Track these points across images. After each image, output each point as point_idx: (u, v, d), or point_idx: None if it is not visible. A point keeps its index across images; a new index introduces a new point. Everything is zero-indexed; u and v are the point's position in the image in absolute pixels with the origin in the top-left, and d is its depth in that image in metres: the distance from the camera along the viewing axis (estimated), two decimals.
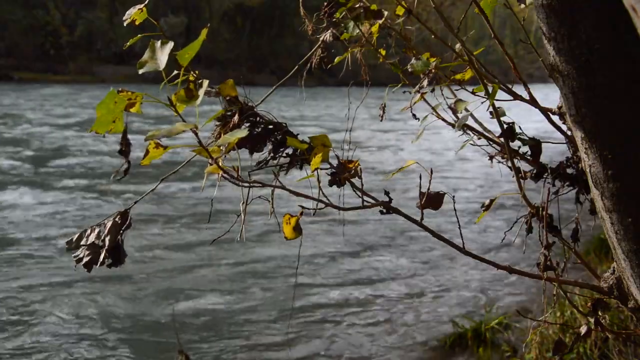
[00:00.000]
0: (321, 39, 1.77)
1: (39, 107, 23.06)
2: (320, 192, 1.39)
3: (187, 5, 47.54)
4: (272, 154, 1.48)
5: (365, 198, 1.45)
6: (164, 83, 1.06)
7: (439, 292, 5.87)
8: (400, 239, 7.57)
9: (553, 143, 1.81)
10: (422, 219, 1.46)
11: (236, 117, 1.40)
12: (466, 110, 1.56)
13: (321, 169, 1.38)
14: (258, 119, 1.46)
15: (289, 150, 1.48)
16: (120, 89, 1.09)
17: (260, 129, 1.46)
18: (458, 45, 1.56)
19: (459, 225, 1.48)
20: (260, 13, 48.74)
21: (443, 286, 6.03)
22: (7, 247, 6.82)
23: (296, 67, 1.78)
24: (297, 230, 1.37)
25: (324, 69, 1.80)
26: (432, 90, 1.67)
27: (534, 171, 1.76)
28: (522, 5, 1.64)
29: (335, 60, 1.81)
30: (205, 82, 1.08)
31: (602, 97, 1.23)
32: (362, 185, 1.43)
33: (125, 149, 1.17)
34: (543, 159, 1.72)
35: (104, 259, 1.30)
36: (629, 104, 1.22)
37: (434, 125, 1.76)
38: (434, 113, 1.76)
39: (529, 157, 1.71)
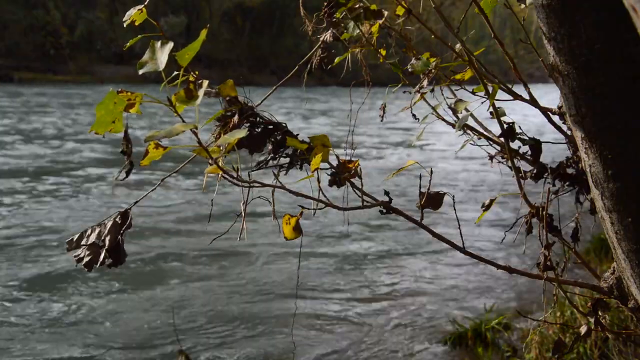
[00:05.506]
0: (321, 39, 1.77)
1: None
2: (320, 192, 1.39)
3: (187, 5, 47.53)
4: (272, 154, 1.48)
5: (365, 198, 1.45)
6: (164, 84, 1.06)
7: (439, 292, 5.87)
8: (401, 239, 7.58)
9: (553, 143, 1.81)
10: (422, 219, 1.46)
11: (236, 118, 1.40)
12: (466, 110, 1.56)
13: (321, 169, 1.37)
14: (258, 119, 1.46)
15: (289, 151, 1.48)
16: (119, 90, 1.09)
17: (260, 129, 1.46)
18: (458, 45, 1.56)
19: (459, 225, 1.48)
20: (260, 13, 48.72)
21: (443, 286, 6.03)
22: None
23: (296, 67, 1.78)
24: (297, 230, 1.37)
25: (324, 69, 1.80)
26: (432, 90, 1.67)
27: (534, 171, 1.76)
28: (522, 5, 1.64)
29: (336, 60, 1.80)
30: (205, 83, 1.08)
31: (602, 97, 1.23)
32: (362, 185, 1.43)
33: (127, 149, 1.17)
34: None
35: (104, 258, 1.30)
36: (628, 104, 1.22)
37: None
38: (434, 113, 1.76)
39: (529, 157, 1.71)
